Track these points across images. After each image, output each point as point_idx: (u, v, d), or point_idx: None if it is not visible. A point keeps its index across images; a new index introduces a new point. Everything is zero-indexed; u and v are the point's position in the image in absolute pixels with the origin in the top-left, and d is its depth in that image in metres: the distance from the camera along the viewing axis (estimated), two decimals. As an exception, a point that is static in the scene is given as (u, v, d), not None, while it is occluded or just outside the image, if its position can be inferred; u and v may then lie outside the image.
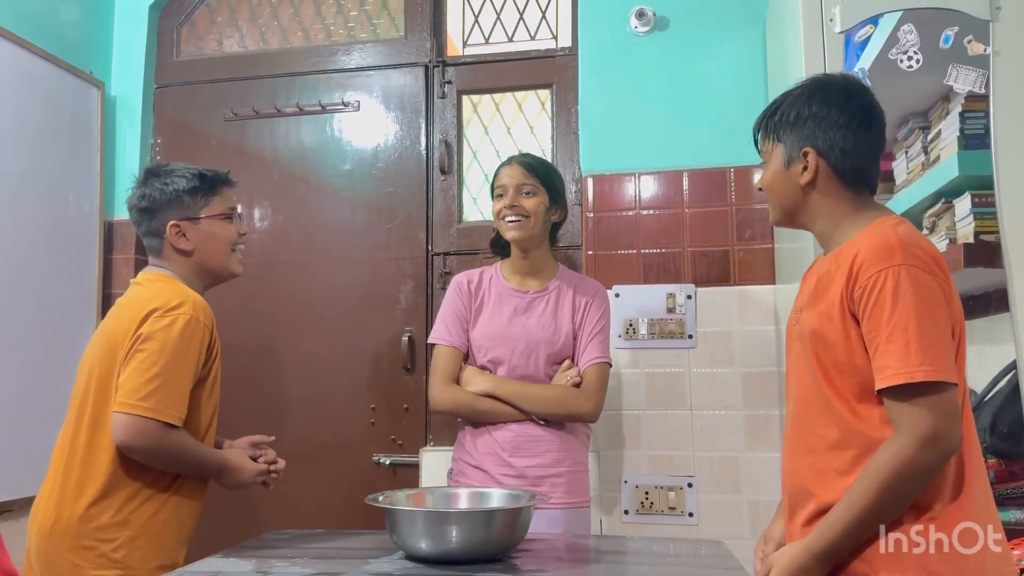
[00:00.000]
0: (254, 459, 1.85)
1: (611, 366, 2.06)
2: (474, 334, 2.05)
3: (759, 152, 1.57)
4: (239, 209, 1.90)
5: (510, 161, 2.08)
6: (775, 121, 1.49)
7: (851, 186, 1.45)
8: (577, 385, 1.99)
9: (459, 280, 2.12)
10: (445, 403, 2.01)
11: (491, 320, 2.05)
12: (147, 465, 1.66)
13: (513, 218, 2.01)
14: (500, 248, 2.14)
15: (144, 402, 1.59)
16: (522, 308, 2.05)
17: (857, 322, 1.33)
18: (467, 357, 2.07)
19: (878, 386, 1.27)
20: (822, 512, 1.34)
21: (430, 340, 2.09)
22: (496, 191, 2.06)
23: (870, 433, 1.31)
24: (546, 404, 1.97)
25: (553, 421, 1.99)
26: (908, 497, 1.27)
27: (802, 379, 1.43)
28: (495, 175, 2.09)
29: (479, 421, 2.00)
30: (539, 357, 2.01)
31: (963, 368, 1.34)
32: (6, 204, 2.43)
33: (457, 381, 2.02)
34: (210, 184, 1.82)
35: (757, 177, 1.53)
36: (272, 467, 1.87)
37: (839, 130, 1.43)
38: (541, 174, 2.04)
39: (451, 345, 2.04)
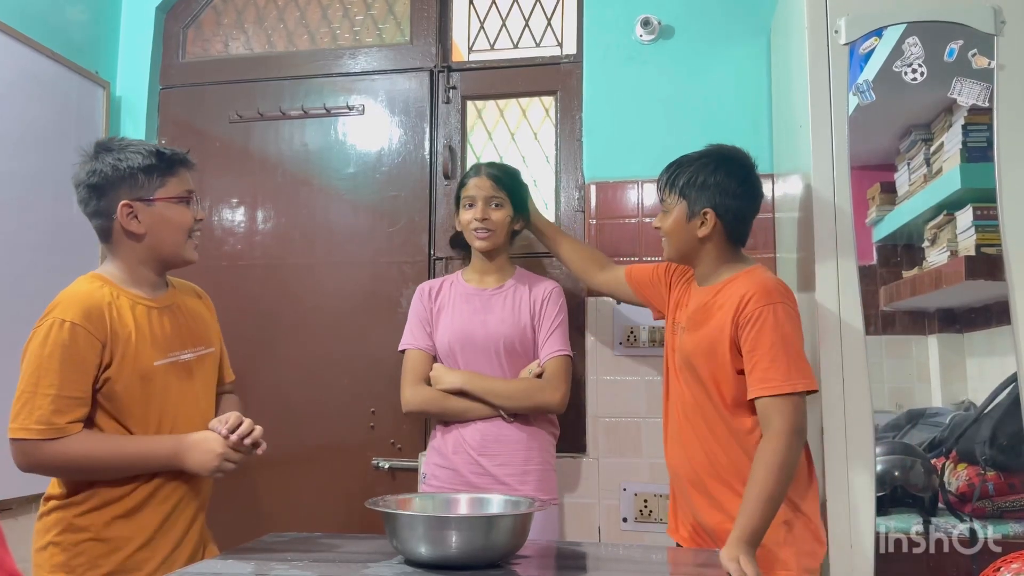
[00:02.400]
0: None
1: (572, 358, 2.14)
2: (437, 336, 2.14)
3: (661, 200, 1.89)
4: (195, 194, 1.74)
5: (478, 172, 2.16)
6: (683, 181, 1.82)
7: (733, 241, 1.83)
8: (540, 377, 2.06)
9: (421, 287, 2.25)
10: (415, 402, 2.10)
11: (452, 320, 2.13)
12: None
13: (483, 231, 2.12)
14: (460, 247, 2.28)
15: (12, 424, 1.54)
16: (481, 306, 2.13)
17: (735, 346, 1.71)
18: (435, 360, 2.17)
19: (762, 393, 1.65)
20: (713, 491, 1.75)
21: (400, 347, 2.20)
22: (464, 201, 2.15)
23: (739, 429, 1.74)
24: (512, 397, 2.05)
25: (520, 415, 2.06)
26: (790, 479, 1.62)
27: (689, 384, 1.81)
28: (463, 184, 2.18)
29: (448, 419, 2.08)
30: (501, 352, 2.08)
31: None
32: (10, 203, 2.43)
33: (427, 382, 2.11)
34: (167, 163, 1.67)
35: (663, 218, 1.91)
36: (242, 439, 1.63)
37: (736, 199, 1.79)
38: (508, 186, 2.14)
39: (418, 348, 2.14)
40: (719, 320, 1.74)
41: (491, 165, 2.19)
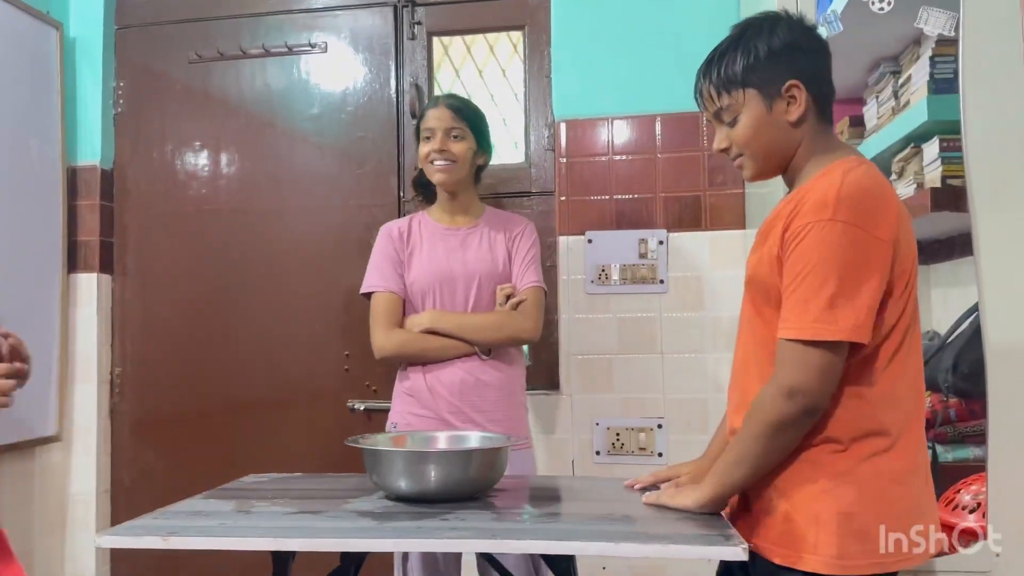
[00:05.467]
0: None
1: (546, 292, 2.10)
2: (411, 277, 2.05)
3: (715, 113, 1.41)
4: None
5: (437, 103, 2.07)
6: (741, 65, 1.35)
7: (823, 118, 1.37)
8: (511, 296, 2.03)
9: (388, 228, 2.12)
10: (391, 347, 2.00)
11: (429, 259, 2.05)
12: None
13: (441, 162, 2.02)
14: (423, 188, 2.17)
15: None
16: (457, 244, 2.07)
17: (781, 270, 1.31)
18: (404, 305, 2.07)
19: (782, 335, 1.27)
20: None
21: (365, 290, 2.08)
22: (423, 133, 2.05)
23: None
24: (487, 330, 1.99)
25: (496, 350, 2.01)
26: (782, 445, 1.28)
27: (750, 319, 1.41)
28: (422, 116, 2.08)
29: (427, 360, 2.00)
30: (482, 290, 2.03)
31: (909, 317, 1.31)
32: (-36, 149, 2.36)
33: (400, 327, 2.03)
34: None
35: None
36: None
37: (812, 56, 1.36)
38: (469, 118, 2.06)
39: (388, 291, 2.04)
40: (773, 236, 1.32)
41: (450, 96, 2.12)
